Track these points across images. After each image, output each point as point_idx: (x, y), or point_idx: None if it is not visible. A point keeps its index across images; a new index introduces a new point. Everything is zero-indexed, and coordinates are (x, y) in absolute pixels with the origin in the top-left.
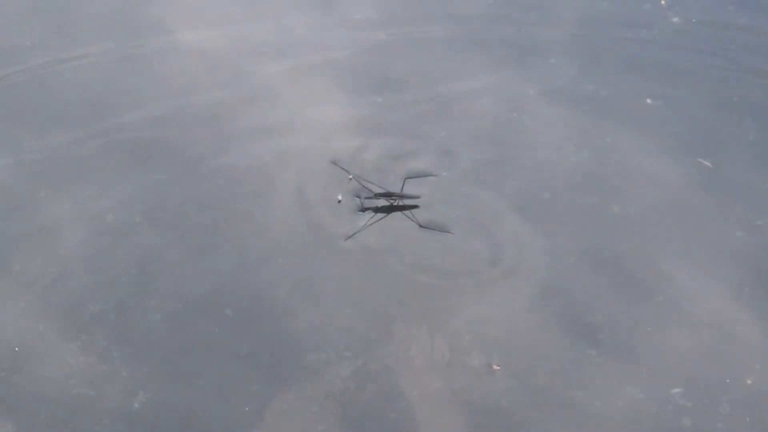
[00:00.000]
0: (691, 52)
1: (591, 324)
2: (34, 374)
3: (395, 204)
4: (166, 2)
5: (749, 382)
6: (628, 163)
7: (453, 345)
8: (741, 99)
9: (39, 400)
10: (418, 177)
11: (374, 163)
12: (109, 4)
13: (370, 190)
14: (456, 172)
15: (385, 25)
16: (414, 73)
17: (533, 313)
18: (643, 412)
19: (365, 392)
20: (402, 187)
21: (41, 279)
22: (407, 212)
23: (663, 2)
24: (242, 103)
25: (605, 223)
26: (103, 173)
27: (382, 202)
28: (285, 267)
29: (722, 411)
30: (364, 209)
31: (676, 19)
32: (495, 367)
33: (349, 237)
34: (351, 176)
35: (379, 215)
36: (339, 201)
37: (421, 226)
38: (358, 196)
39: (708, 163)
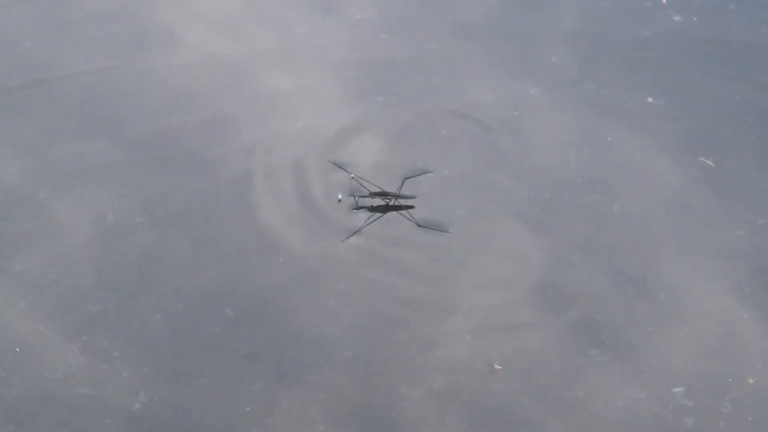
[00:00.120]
0: (692, 51)
1: (592, 323)
2: (35, 375)
3: (391, 204)
4: (170, 8)
5: (751, 381)
6: (629, 162)
7: (454, 345)
8: (742, 98)
9: (40, 401)
10: (415, 176)
11: (373, 162)
12: (118, 20)
13: (367, 190)
14: (456, 171)
15: (384, 25)
16: (414, 72)
17: (534, 313)
18: (644, 412)
19: (366, 392)
20: (400, 187)
21: (42, 279)
22: (404, 212)
23: (664, 1)
24: (244, 105)
25: (606, 223)
26: (104, 173)
27: (377, 201)
28: (286, 267)
29: (724, 410)
30: (358, 208)
31: (677, 18)
32: (496, 366)
33: (349, 237)
34: (352, 175)
35: (377, 215)
36: (339, 200)
37: (418, 225)
38: (353, 195)
39: (710, 162)
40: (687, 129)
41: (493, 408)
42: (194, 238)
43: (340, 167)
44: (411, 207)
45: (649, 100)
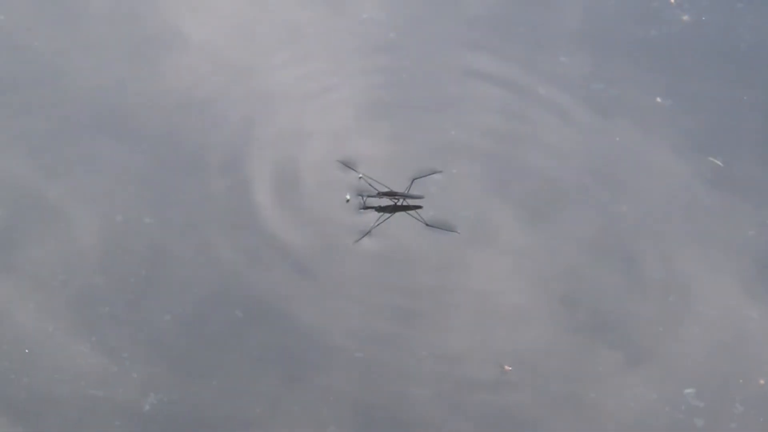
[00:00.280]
0: (700, 50)
1: (603, 324)
2: (45, 376)
3: (399, 204)
4: (170, 3)
5: (762, 382)
6: (638, 161)
7: (464, 344)
8: (751, 97)
9: (49, 402)
10: (424, 176)
11: (381, 161)
12: (128, 20)
13: (376, 190)
14: (464, 170)
15: (393, 24)
16: (421, 70)
17: (545, 313)
18: (655, 413)
19: (376, 393)
20: (409, 187)
21: (51, 280)
22: (412, 212)
23: (672, 1)
24: (253, 105)
25: (616, 222)
26: (113, 174)
27: (385, 202)
28: (294, 267)
29: (735, 411)
30: (365, 208)
31: (685, 17)
32: (507, 367)
33: (361, 238)
34: (360, 175)
35: (385, 215)
36: (347, 200)
37: (427, 224)
38: (361, 195)
39: (719, 162)
40: (696, 128)
41: (503, 408)
42: (203, 239)
43: (348, 167)
44: (419, 207)
45: (658, 99)
